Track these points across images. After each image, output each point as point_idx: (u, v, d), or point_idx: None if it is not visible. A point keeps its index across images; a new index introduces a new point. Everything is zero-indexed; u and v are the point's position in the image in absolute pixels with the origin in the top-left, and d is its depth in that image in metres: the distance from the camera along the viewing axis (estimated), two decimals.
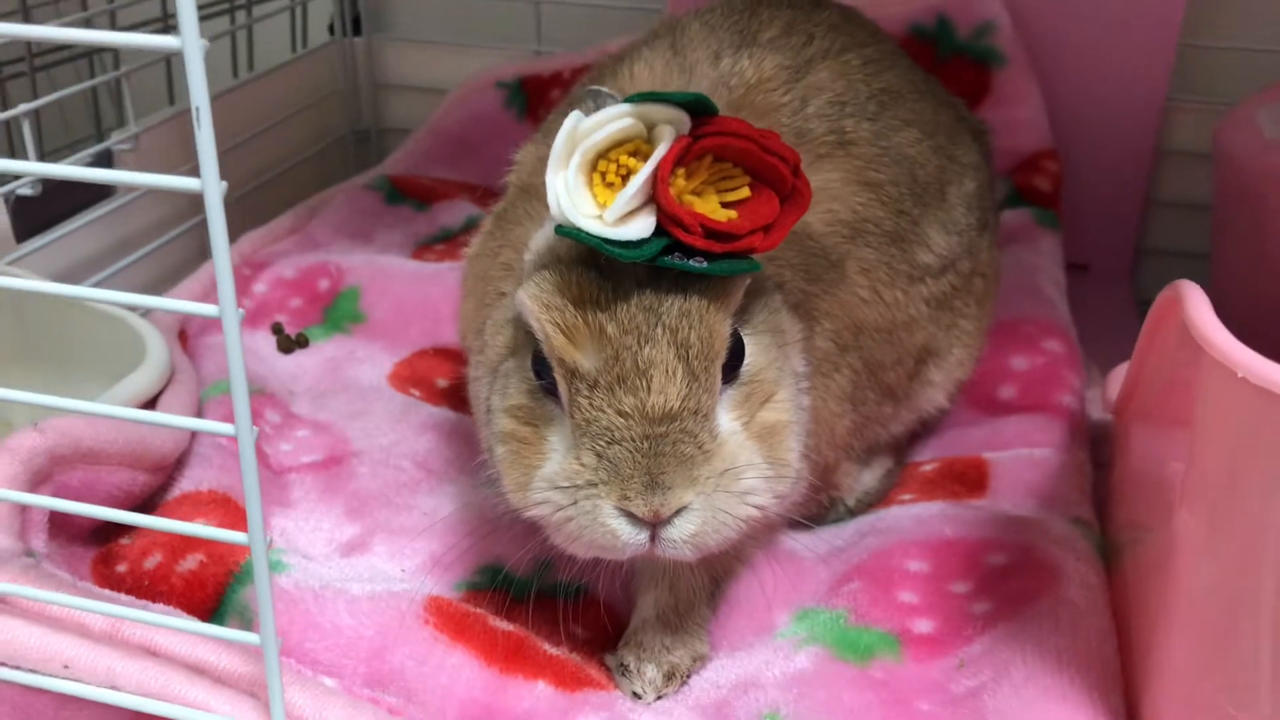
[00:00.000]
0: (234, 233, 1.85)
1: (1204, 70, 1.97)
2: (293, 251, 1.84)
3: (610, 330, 0.95)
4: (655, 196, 0.92)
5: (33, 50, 1.76)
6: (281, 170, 2.14)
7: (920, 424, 1.42)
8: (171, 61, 1.98)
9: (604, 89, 1.03)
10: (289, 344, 1.67)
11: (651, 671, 1.11)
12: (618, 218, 0.91)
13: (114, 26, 1.88)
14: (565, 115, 1.32)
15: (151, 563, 1.19)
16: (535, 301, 0.97)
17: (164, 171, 1.81)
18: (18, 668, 0.98)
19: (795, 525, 1.30)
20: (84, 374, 1.46)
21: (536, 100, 2.19)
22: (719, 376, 0.97)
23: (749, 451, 0.98)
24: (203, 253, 1.82)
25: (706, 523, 0.95)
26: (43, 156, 1.64)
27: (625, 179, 0.93)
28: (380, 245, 1.90)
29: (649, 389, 0.94)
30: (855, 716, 1.04)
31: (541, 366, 1.00)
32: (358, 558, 1.26)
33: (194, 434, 1.37)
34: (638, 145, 0.93)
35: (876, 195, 1.22)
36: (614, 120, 0.92)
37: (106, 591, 1.11)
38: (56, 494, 1.16)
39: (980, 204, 1.36)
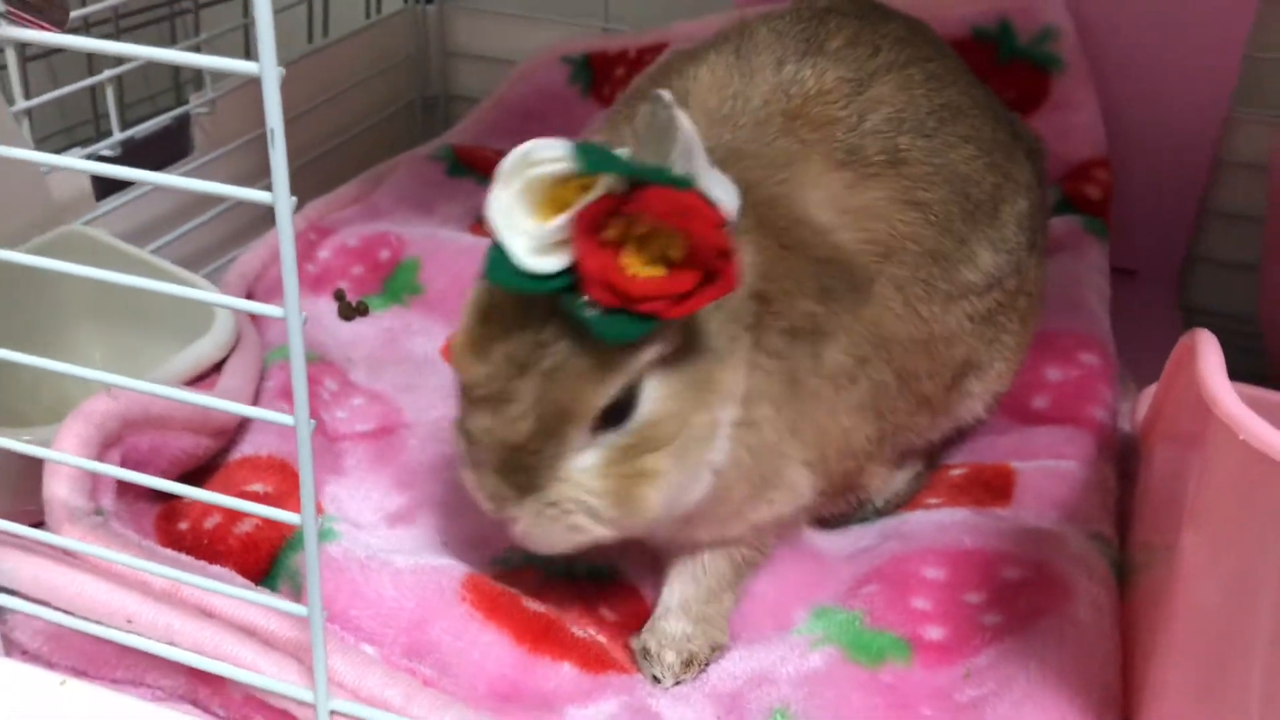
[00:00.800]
0: (304, 196, 1.91)
1: (1271, 82, 1.96)
2: (356, 220, 1.90)
3: (496, 353, 1.01)
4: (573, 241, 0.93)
5: (119, 12, 1.83)
6: (352, 135, 2.20)
7: (956, 432, 1.46)
8: (248, 30, 2.04)
9: (665, 93, 1.07)
10: (350, 311, 1.73)
11: (671, 657, 1.17)
12: (542, 246, 0.94)
13: None
14: (623, 111, 1.38)
15: (211, 523, 1.26)
16: (467, 302, 1.06)
17: (240, 134, 1.91)
18: (86, 619, 1.06)
19: (823, 523, 1.36)
20: (155, 332, 1.54)
21: (601, 77, 2.22)
22: (576, 432, 1.00)
23: (591, 493, 1.03)
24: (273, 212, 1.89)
25: (535, 536, 1.06)
26: (124, 114, 1.71)
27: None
28: (441, 218, 1.95)
29: (502, 419, 1.01)
30: (861, 718, 1.09)
31: None
32: (403, 528, 1.33)
33: (256, 399, 1.45)
34: (586, 182, 0.95)
35: (923, 214, 1.24)
36: (555, 162, 0.94)
37: (167, 551, 1.19)
38: (126, 456, 1.24)
39: (1031, 223, 1.37)
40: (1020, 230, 1.35)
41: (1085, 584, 1.19)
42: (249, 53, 2.14)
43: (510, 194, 0.95)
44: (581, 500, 1.03)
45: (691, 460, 1.06)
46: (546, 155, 0.95)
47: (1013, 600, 1.20)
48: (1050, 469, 1.43)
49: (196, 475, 1.36)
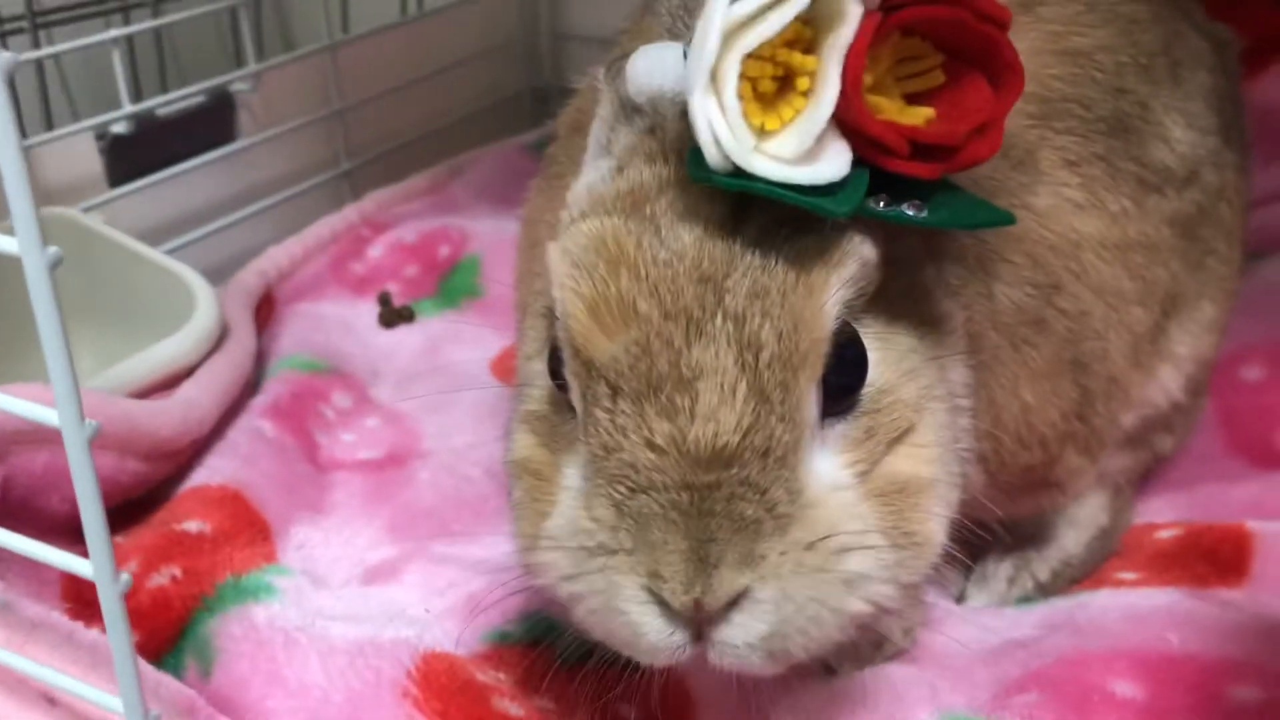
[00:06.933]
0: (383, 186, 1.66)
1: None
2: (424, 213, 1.61)
3: (644, 308, 0.64)
4: (841, 109, 0.63)
5: None
6: (448, 123, 1.90)
7: (1145, 435, 1.02)
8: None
9: None
10: (393, 317, 1.43)
11: None
12: (806, 150, 0.62)
13: None
14: (644, 25, 1.03)
15: (124, 572, 0.96)
16: (565, 259, 0.68)
17: (286, 119, 1.63)
18: None
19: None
20: (142, 328, 1.27)
21: None
22: (808, 397, 0.65)
23: (860, 518, 0.66)
24: (319, 211, 1.61)
25: (787, 620, 0.64)
26: (138, 91, 1.45)
27: (783, 84, 0.64)
28: None
29: (693, 411, 0.63)
30: None
31: (559, 362, 0.70)
32: (380, 588, 1.00)
33: (225, 416, 1.14)
34: (796, 31, 0.63)
35: (1082, 68, 0.87)
36: (783, 3, 0.61)
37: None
38: (10, 477, 0.95)
39: (1221, 106, 0.98)
40: (1209, 109, 0.96)
41: None
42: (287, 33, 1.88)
43: (728, 91, 0.62)
44: (859, 529, 0.66)
45: (949, 458, 0.71)
46: (753, 7, 0.61)
47: None
48: None
49: (136, 509, 1.06)
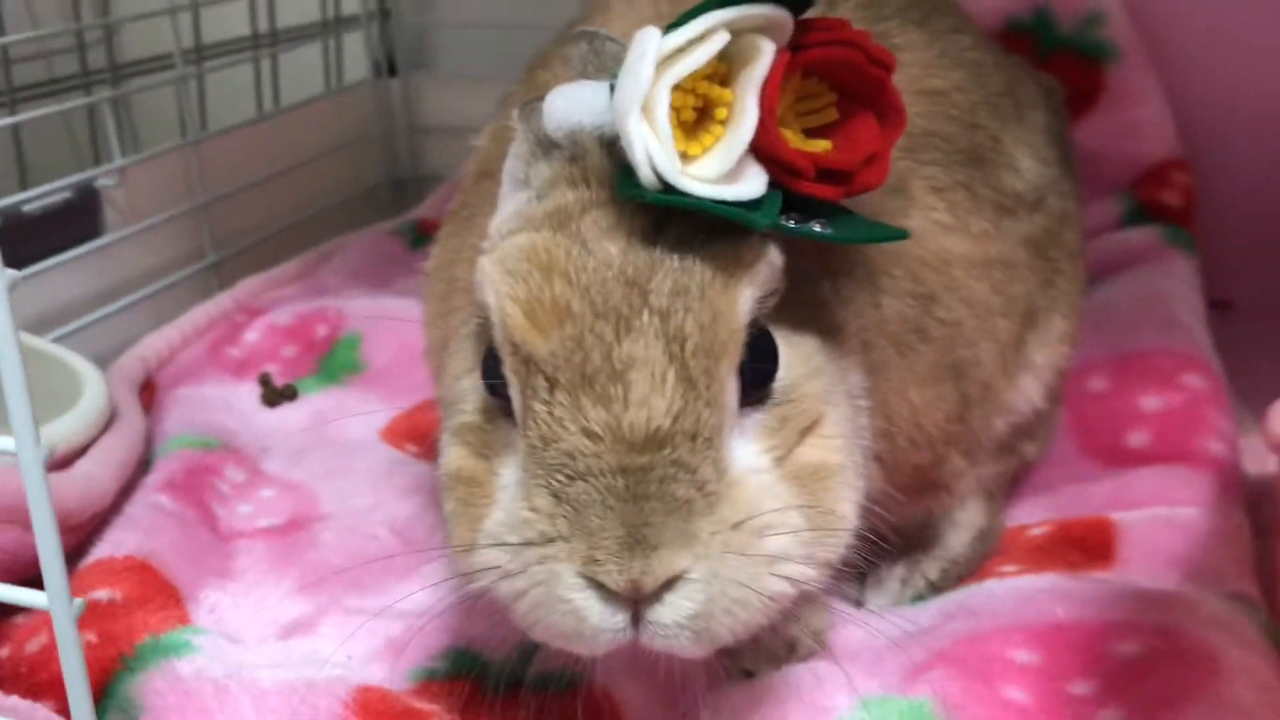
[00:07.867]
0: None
1: None
2: (297, 297, 1.63)
3: (577, 307, 0.70)
4: (757, 136, 0.71)
5: (13, 84, 1.60)
6: (310, 214, 1.93)
7: (1013, 442, 1.10)
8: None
9: (601, 30, 0.81)
10: (275, 396, 1.44)
11: None
12: (726, 172, 0.70)
13: (111, 57, 1.71)
14: (535, 78, 1.10)
15: (35, 645, 0.96)
16: (499, 268, 0.73)
17: (152, 213, 1.63)
18: None
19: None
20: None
21: None
22: (729, 384, 0.72)
23: (779, 497, 0.72)
24: (189, 303, 1.62)
25: (714, 600, 0.68)
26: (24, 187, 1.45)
27: (701, 114, 0.71)
28: (398, 291, 1.67)
29: (626, 399, 0.68)
30: None
31: (495, 365, 0.74)
32: (299, 640, 1.00)
33: (120, 494, 1.14)
34: (713, 66, 0.71)
35: (940, 106, 0.99)
36: (707, 39, 0.69)
37: None
38: None
39: (1057, 141, 1.13)
40: (1049, 143, 1.11)
41: (1237, 655, 0.85)
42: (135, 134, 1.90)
43: (660, 117, 0.68)
44: (778, 510, 0.71)
45: (854, 449, 0.79)
46: (679, 41, 0.68)
47: (1136, 686, 0.84)
48: (1162, 519, 1.09)
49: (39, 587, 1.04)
